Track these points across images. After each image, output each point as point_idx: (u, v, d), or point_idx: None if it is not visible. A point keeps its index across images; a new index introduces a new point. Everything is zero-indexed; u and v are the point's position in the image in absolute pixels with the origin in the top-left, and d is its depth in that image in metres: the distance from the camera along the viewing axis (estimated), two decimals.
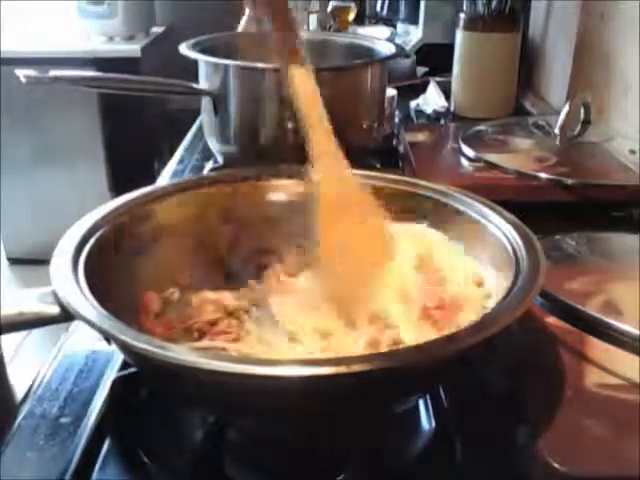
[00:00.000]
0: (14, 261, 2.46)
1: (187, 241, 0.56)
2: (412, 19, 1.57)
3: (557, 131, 0.86)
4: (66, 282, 0.42)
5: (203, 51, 0.84)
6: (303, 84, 0.54)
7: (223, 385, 0.38)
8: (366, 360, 0.36)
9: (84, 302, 0.40)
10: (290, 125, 0.79)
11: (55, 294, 0.41)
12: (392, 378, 0.37)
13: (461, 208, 0.55)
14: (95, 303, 0.40)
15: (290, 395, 0.37)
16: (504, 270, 0.47)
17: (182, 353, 0.36)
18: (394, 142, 1.03)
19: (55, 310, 0.41)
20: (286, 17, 0.55)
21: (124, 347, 0.40)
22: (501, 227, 0.50)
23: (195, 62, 0.84)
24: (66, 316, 0.40)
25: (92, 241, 0.48)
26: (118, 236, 0.51)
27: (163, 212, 0.55)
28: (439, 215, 0.56)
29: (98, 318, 0.38)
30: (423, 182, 0.58)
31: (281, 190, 0.61)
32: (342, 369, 0.34)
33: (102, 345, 0.55)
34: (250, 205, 0.59)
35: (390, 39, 1.44)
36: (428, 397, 0.48)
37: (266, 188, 0.60)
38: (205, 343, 0.47)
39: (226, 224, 0.58)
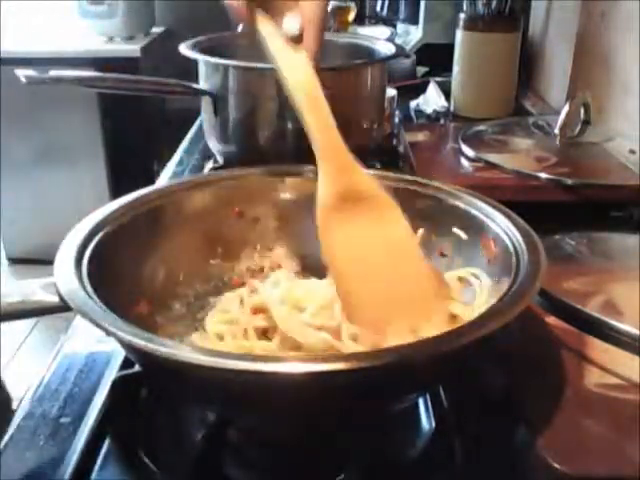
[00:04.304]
0: (14, 261, 2.46)
1: (193, 238, 0.56)
2: (412, 19, 1.57)
3: (557, 131, 0.86)
4: (68, 275, 0.42)
5: (203, 51, 0.84)
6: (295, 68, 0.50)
7: (222, 382, 0.38)
8: (361, 357, 0.36)
9: (85, 297, 0.40)
10: (290, 125, 0.79)
11: (57, 285, 0.41)
12: (386, 375, 0.37)
13: (465, 207, 0.54)
14: (96, 298, 0.40)
15: (288, 392, 0.37)
16: (505, 271, 0.47)
17: (182, 349, 0.36)
18: (394, 142, 1.03)
19: (57, 299, 0.41)
20: None
21: (123, 343, 0.40)
22: (504, 227, 0.50)
23: (195, 62, 0.84)
24: (67, 306, 0.40)
25: (98, 237, 0.48)
26: (125, 232, 0.51)
27: (170, 208, 0.55)
28: (442, 214, 0.56)
29: (98, 314, 0.38)
30: (426, 181, 0.58)
31: (294, 188, 0.60)
32: (338, 366, 0.34)
33: (102, 345, 0.55)
34: (252, 205, 0.59)
35: (390, 39, 1.44)
36: (428, 397, 0.48)
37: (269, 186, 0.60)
38: None
39: (232, 222, 0.58)
